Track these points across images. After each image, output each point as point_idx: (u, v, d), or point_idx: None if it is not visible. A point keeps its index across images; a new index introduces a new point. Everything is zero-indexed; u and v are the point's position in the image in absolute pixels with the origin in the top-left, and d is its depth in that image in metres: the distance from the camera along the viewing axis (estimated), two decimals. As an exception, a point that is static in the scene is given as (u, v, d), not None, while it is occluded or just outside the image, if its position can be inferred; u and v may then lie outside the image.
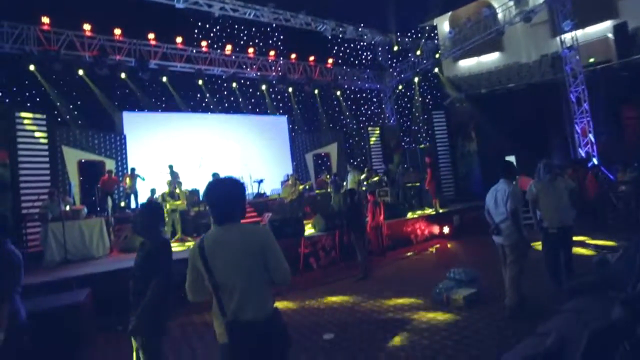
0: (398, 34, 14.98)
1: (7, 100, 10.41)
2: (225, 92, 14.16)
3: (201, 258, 1.85)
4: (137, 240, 7.96)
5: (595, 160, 11.13)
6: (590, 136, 11.48)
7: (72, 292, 4.95)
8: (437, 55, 14.65)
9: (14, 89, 10.77)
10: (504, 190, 4.03)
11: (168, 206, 8.54)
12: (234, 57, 12.95)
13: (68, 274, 5.76)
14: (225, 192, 1.98)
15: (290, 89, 14.75)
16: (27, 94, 10.97)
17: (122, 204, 10.65)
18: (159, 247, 2.56)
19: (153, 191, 10.20)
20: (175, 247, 8.05)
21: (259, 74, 13.40)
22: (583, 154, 11.52)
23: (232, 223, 1.94)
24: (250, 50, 13.28)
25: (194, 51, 12.28)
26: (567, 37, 11.67)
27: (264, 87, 13.90)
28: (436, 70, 15.15)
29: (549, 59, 13.30)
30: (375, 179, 11.10)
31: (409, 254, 8.32)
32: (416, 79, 15.57)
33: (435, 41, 15.34)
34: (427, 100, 16.87)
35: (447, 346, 3.60)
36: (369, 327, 4.32)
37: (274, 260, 1.89)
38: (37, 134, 8.54)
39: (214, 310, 1.90)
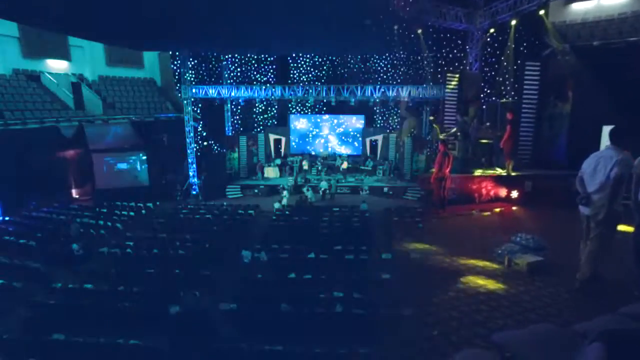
0: (504, -37, 12.76)
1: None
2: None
3: None
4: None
5: None
6: None
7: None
8: (547, -6, 12.40)
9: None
10: (611, 157, 3.56)
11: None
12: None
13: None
14: None
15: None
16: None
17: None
18: None
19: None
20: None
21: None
22: None
23: None
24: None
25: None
26: None
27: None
28: (541, 12, 12.91)
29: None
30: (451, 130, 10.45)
31: (470, 211, 8.05)
32: (513, 22, 13.49)
33: (549, -24, 12.87)
34: (522, 49, 14.72)
35: (503, 305, 3.57)
36: (422, 270, 4.38)
37: None
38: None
39: None
